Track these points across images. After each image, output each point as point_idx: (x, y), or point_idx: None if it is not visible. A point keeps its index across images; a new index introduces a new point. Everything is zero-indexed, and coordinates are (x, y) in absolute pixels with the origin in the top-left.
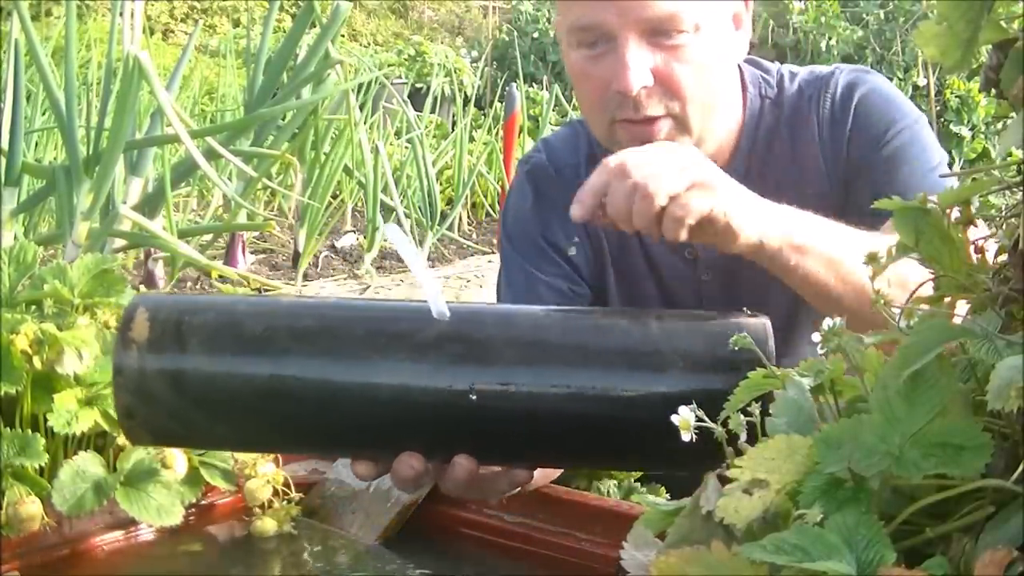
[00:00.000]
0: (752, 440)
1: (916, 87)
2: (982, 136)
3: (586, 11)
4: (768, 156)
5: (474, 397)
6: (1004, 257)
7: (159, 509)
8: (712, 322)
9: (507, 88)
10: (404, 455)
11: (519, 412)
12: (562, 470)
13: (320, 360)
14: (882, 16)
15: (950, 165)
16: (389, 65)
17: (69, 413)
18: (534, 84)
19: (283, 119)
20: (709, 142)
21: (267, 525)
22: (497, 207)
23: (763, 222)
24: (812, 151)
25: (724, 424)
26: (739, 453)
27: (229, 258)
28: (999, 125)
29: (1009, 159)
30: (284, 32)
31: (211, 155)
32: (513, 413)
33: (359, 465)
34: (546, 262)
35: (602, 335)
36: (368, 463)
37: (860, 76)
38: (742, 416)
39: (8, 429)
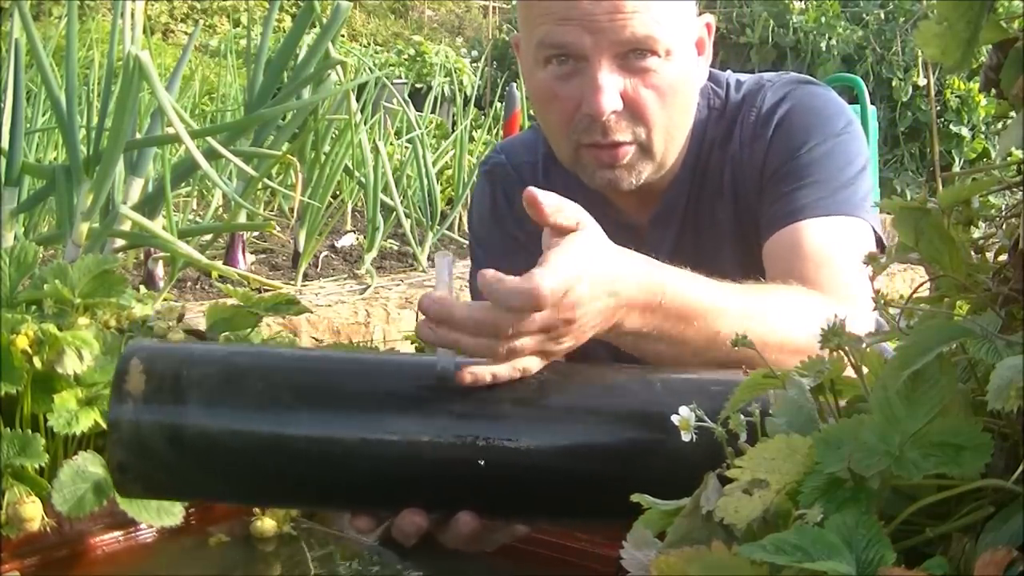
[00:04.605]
0: (752, 440)
1: (916, 87)
2: (982, 136)
3: (558, 29)
4: (708, 167)
5: (482, 463)
6: (1004, 257)
7: (159, 509)
8: (713, 380)
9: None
10: (407, 511)
11: (526, 471)
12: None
13: (323, 419)
14: (882, 16)
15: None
16: (389, 65)
17: (69, 413)
18: None
19: (283, 119)
20: (667, 165)
21: (267, 525)
22: None
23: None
24: (736, 163)
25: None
26: (739, 453)
27: (229, 258)
28: (999, 125)
29: (1009, 159)
30: (284, 32)
31: (211, 155)
32: (520, 472)
33: (359, 520)
34: (512, 258)
35: (609, 395)
36: (368, 518)
37: (790, 92)
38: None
39: (8, 429)
